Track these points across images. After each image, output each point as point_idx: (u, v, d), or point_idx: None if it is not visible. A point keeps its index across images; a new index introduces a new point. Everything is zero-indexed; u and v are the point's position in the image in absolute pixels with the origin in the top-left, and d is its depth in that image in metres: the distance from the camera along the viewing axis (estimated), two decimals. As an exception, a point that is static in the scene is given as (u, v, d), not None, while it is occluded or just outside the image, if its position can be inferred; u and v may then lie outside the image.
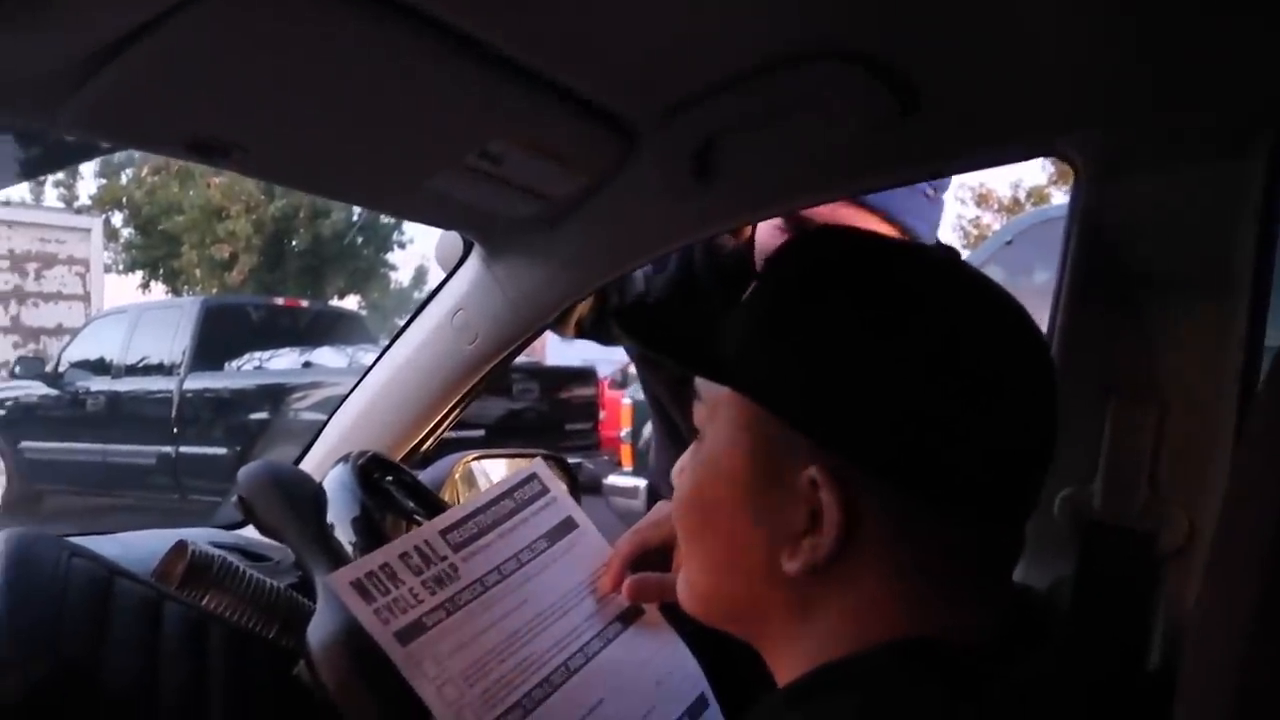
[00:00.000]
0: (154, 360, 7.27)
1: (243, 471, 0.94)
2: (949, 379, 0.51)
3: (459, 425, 1.31)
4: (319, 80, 0.74)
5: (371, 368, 1.29)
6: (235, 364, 7.04)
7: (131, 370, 7.38)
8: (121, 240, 14.40)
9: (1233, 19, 0.69)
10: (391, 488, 1.09)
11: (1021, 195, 11.92)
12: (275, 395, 6.40)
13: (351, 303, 15.69)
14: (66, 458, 7.32)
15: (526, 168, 0.92)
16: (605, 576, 0.85)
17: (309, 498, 0.93)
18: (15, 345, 9.47)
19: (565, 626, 0.80)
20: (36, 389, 7.66)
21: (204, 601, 0.88)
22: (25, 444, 7.57)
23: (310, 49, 0.71)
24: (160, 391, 7.04)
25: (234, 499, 0.94)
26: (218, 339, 7.15)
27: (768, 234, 1.12)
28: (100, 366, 7.56)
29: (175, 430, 6.82)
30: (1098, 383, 0.80)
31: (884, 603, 0.52)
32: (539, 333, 1.17)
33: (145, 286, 14.86)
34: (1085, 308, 0.81)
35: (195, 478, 6.61)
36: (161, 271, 14.71)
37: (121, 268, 15.23)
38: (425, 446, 1.33)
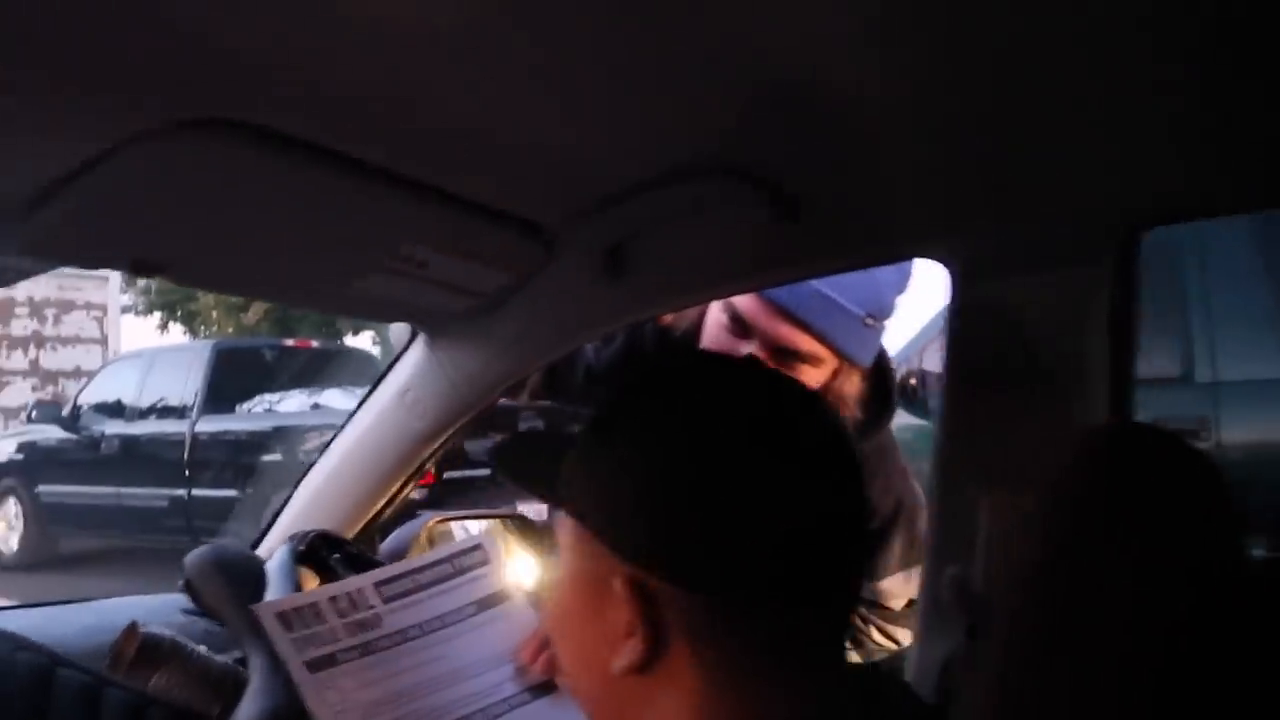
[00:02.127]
0: (167, 403, 7.38)
1: (190, 555, 1.01)
2: (719, 488, 0.56)
3: (466, 464, 1.35)
4: (239, 207, 0.81)
5: (328, 445, 1.35)
6: (246, 406, 7.14)
7: (145, 413, 7.48)
8: (139, 284, 14.63)
9: (1076, 139, 0.75)
10: (338, 565, 1.14)
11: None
12: (285, 437, 6.48)
13: (365, 339, 15.83)
14: (82, 501, 7.42)
15: (450, 268, 0.99)
16: (526, 648, 0.91)
17: (249, 580, 0.98)
18: (34, 389, 9.65)
19: (474, 686, 0.85)
20: (53, 433, 7.76)
21: (153, 680, 0.94)
22: (42, 488, 7.67)
23: (229, 182, 0.78)
24: (173, 434, 7.13)
25: (180, 583, 1.00)
26: (229, 381, 7.24)
27: (713, 319, 1.17)
28: (115, 410, 7.67)
29: (187, 473, 6.91)
30: (975, 472, 0.85)
31: (704, 698, 0.57)
32: (484, 410, 1.23)
33: (164, 328, 15.05)
34: (962, 401, 0.86)
35: (207, 520, 6.67)
36: (179, 313, 14.91)
37: (140, 309, 15.45)
38: (384, 517, 1.39)
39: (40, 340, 9.96)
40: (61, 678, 0.83)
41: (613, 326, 1.05)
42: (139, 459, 7.24)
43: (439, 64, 0.70)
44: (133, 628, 0.96)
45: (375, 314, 1.13)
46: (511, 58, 0.70)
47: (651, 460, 0.57)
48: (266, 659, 0.85)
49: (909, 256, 0.87)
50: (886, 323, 1.15)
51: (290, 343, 8.53)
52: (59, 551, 7.60)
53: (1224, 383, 3.58)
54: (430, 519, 1.36)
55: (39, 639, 0.93)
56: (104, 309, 10.36)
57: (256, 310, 14.13)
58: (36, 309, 9.86)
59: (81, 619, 0.90)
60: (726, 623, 0.56)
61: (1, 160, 0.67)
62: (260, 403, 7.11)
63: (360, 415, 1.32)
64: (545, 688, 0.92)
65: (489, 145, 0.83)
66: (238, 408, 7.15)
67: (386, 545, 1.32)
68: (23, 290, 9.69)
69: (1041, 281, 0.79)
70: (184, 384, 7.30)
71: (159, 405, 7.44)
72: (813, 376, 1.12)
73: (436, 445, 1.27)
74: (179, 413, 7.23)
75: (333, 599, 0.84)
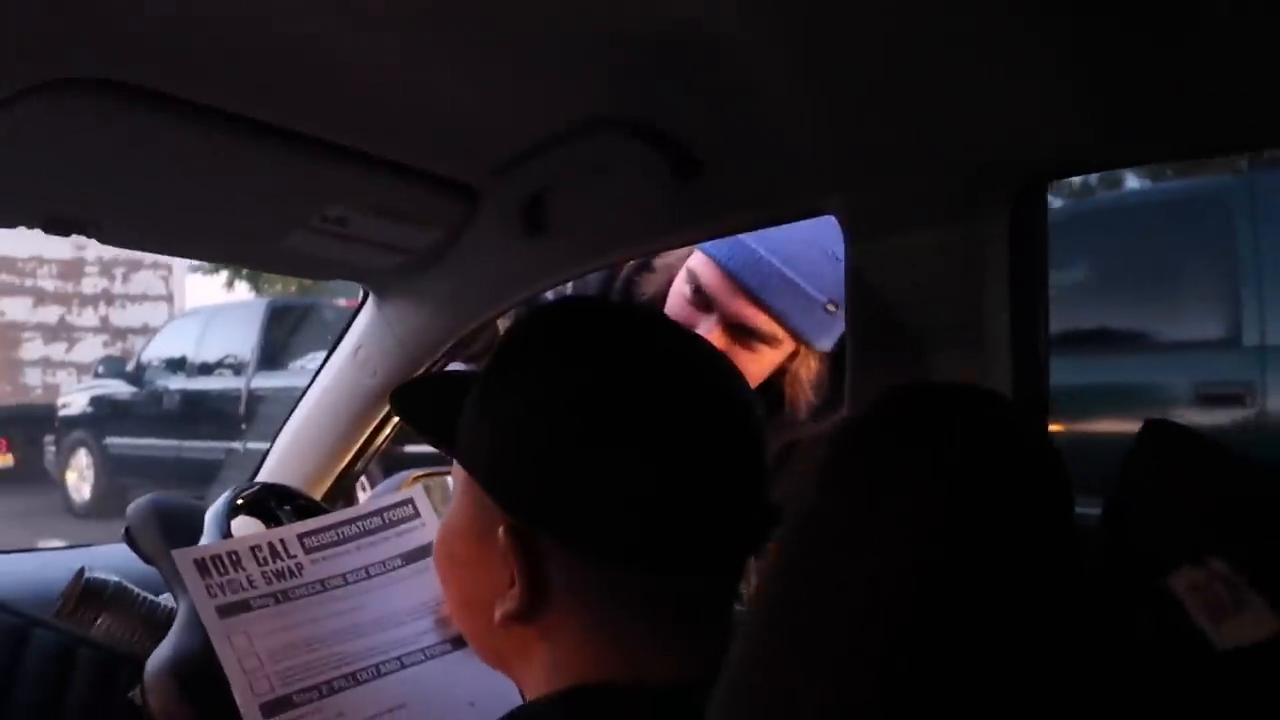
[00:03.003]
0: (224, 359, 7.61)
1: (131, 504, 1.04)
2: (599, 444, 0.55)
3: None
4: (143, 168, 0.83)
5: (295, 405, 1.38)
6: (298, 363, 7.32)
7: (204, 369, 7.73)
8: (206, 242, 15.02)
9: (967, 90, 0.72)
10: (286, 516, 1.17)
11: (1093, 180, 11.48)
12: (334, 393, 6.63)
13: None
14: (146, 453, 7.72)
15: (375, 226, 0.99)
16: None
17: (185, 529, 1.02)
18: (104, 344, 10.02)
19: (390, 637, 0.87)
20: (120, 387, 8.08)
21: (97, 623, 0.98)
22: (110, 440, 8.01)
23: (125, 143, 0.80)
24: (229, 389, 7.36)
25: (122, 530, 1.04)
26: (283, 339, 7.44)
27: (676, 288, 1.16)
28: (176, 365, 7.94)
29: (243, 426, 7.13)
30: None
31: (580, 651, 0.57)
32: (432, 367, 1.24)
33: (229, 285, 15.47)
34: (864, 362, 0.84)
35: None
36: (244, 271, 15.28)
37: (207, 268, 15.88)
38: (355, 469, 1.42)
39: (110, 298, 10.32)
40: (-12, 619, 0.88)
41: (539, 286, 1.05)
42: (198, 413, 7.49)
43: (332, 24, 0.70)
44: (80, 572, 1.00)
45: (311, 272, 1.15)
46: (410, 17, 0.69)
47: (536, 414, 0.57)
48: (187, 603, 0.88)
49: (808, 213, 0.85)
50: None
51: (343, 302, 8.70)
52: (127, 501, 7.91)
53: (1271, 347, 3.43)
54: (410, 475, 1.39)
55: (7, 580, 0.98)
56: (169, 268, 10.68)
57: (317, 269, 14.43)
58: (106, 268, 10.20)
59: (31, 566, 0.94)
60: (605, 581, 0.56)
61: None
62: (312, 360, 7.28)
63: (322, 374, 1.35)
64: (463, 641, 0.93)
65: (395, 105, 0.84)
66: (291, 364, 7.34)
67: (370, 497, 1.35)
68: (93, 250, 10.03)
69: (936, 238, 0.76)
70: (240, 341, 7.52)
71: (217, 361, 7.67)
72: (769, 357, 1.12)
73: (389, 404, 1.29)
74: (235, 368, 7.45)
75: (254, 548, 0.86)
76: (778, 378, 1.15)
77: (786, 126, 0.78)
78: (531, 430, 0.57)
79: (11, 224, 0.87)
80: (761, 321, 1.09)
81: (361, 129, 0.86)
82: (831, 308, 1.10)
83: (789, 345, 1.13)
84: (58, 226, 0.88)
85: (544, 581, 0.57)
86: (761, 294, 1.07)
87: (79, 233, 0.90)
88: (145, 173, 0.84)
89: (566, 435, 0.56)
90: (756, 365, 1.11)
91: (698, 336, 0.64)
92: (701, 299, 1.10)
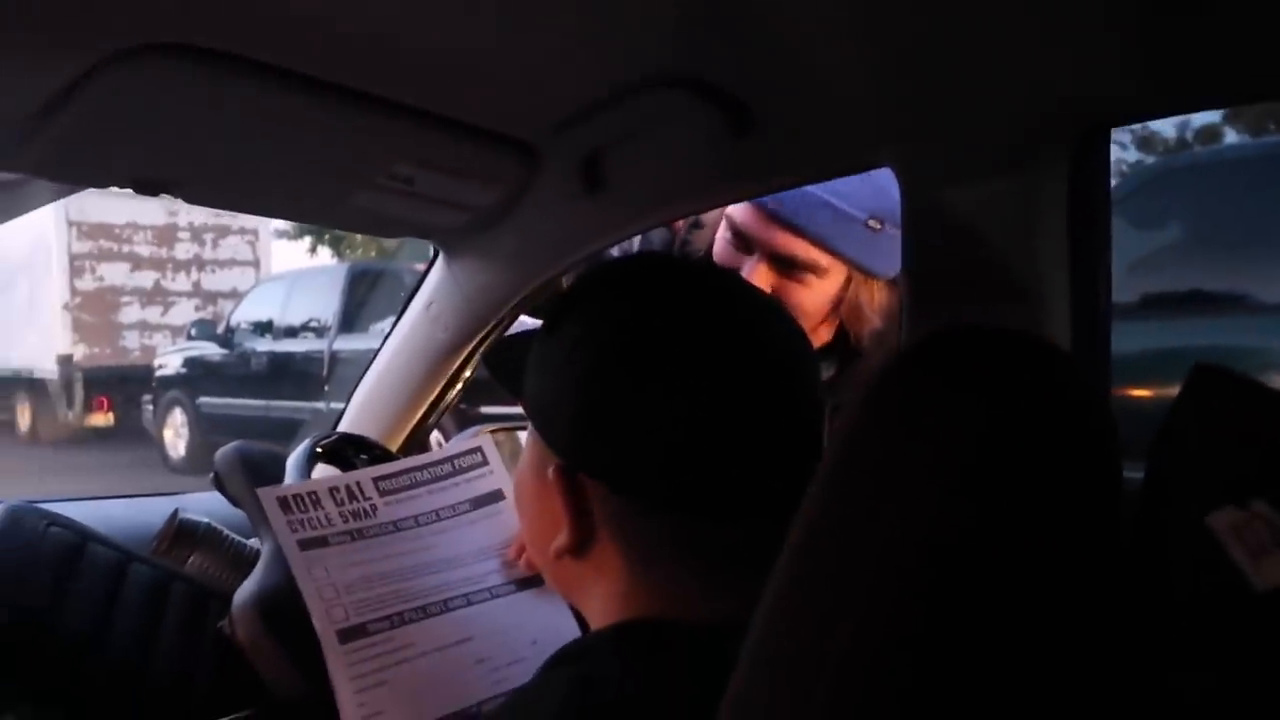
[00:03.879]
0: (308, 322, 7.85)
1: (218, 452, 1.11)
2: (632, 385, 0.57)
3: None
4: (221, 130, 0.87)
5: (373, 358, 1.43)
6: (378, 326, 7.51)
7: (289, 332, 7.99)
8: (290, 208, 15.41)
9: (1022, 36, 0.71)
10: (359, 463, 1.23)
11: (1189, 136, 10.98)
12: (413, 355, 6.80)
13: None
14: (236, 412, 8.03)
15: (440, 184, 1.02)
16: (514, 545, 0.96)
17: (269, 474, 1.08)
18: (196, 308, 10.40)
19: (458, 575, 0.91)
20: (211, 349, 8.41)
21: (189, 561, 1.05)
22: (203, 399, 8.35)
23: (206, 105, 0.84)
24: (313, 351, 7.60)
25: (210, 475, 1.11)
26: (363, 302, 7.63)
27: (720, 235, 1.15)
28: (263, 328, 8.22)
29: (325, 388, 7.36)
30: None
31: (627, 587, 0.60)
32: (501, 323, 1.28)
33: (313, 251, 15.87)
34: (921, 314, 0.84)
35: (344, 431, 7.11)
36: (326, 237, 15.66)
37: (292, 234, 16.29)
38: (429, 422, 1.48)
39: (201, 263, 10.68)
40: (91, 552, 0.94)
41: (601, 243, 1.07)
42: (284, 374, 7.76)
43: None
44: (174, 514, 1.07)
45: (380, 229, 1.19)
46: None
47: (580, 360, 0.59)
48: (271, 541, 0.94)
49: (863, 167, 0.84)
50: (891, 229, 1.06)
51: (420, 266, 8.85)
52: (219, 457, 8.27)
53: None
54: (483, 429, 1.44)
55: (108, 523, 1.06)
56: (256, 233, 10.98)
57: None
58: (197, 233, 10.55)
59: (129, 510, 1.01)
60: (643, 522, 0.58)
61: (3, 75, 0.74)
62: (391, 323, 7.45)
63: (396, 329, 1.39)
64: (530, 582, 0.96)
65: (458, 64, 0.86)
66: (371, 327, 7.53)
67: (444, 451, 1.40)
68: (184, 216, 10.38)
69: (992, 188, 0.76)
70: (323, 304, 7.74)
71: (301, 324, 7.92)
72: (820, 288, 1.08)
73: (462, 357, 1.33)
74: (318, 331, 7.68)
75: (332, 489, 0.91)
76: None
77: (840, 79, 0.78)
78: (571, 372, 0.59)
79: (103, 184, 0.93)
80: (800, 249, 1.05)
81: (426, 88, 0.88)
82: (875, 224, 1.05)
83: (839, 272, 1.08)
84: (145, 187, 0.93)
85: (589, 519, 0.60)
86: (795, 219, 1.04)
87: (164, 192, 0.95)
88: (223, 134, 0.88)
89: (602, 376, 0.58)
90: (809, 298, 1.07)
91: (746, 284, 0.65)
92: (741, 240, 1.08)
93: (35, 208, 1.09)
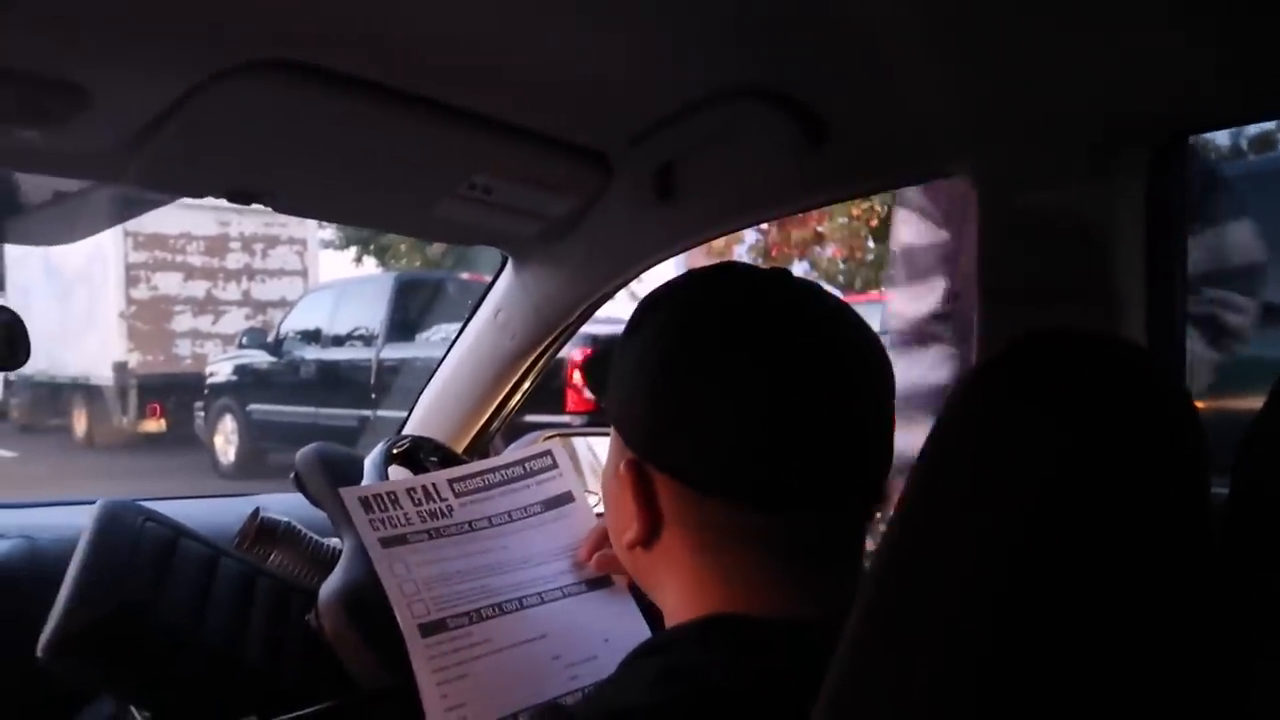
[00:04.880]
0: (356, 331, 7.96)
1: (299, 453, 1.14)
2: (693, 379, 0.59)
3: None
4: (314, 142, 0.91)
5: (441, 362, 1.47)
6: (425, 335, 7.60)
7: (337, 340, 8.11)
8: (336, 219, 15.65)
9: (1093, 46, 0.72)
10: (432, 466, 1.26)
11: (1244, 144, 10.75)
12: (458, 364, 6.86)
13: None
14: (285, 419, 8.15)
15: (517, 194, 1.06)
16: (584, 545, 0.99)
17: (347, 473, 1.11)
18: (246, 317, 10.59)
19: (532, 574, 0.94)
20: (261, 357, 8.56)
21: (270, 558, 1.09)
22: (252, 406, 8.50)
23: (301, 119, 0.88)
24: (360, 360, 7.70)
25: (291, 475, 1.14)
26: (410, 311, 7.73)
27: None
28: (312, 336, 8.35)
29: (373, 395, 7.46)
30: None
31: (701, 579, 0.62)
32: (566, 331, 1.31)
33: (358, 261, 16.09)
34: (998, 317, 0.86)
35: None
36: (371, 247, 15.87)
37: (338, 244, 16.52)
38: (493, 428, 1.51)
39: (251, 273, 10.88)
40: (183, 547, 0.98)
41: (670, 251, 1.09)
42: (332, 382, 7.86)
43: (484, 2, 0.76)
44: (255, 512, 1.11)
45: (457, 238, 1.23)
46: None
47: (649, 359, 0.62)
48: (353, 540, 0.97)
49: (937, 175, 0.86)
50: None
51: (466, 276, 8.96)
52: (267, 463, 8.42)
53: None
54: (540, 435, 1.47)
55: (187, 521, 1.10)
56: (304, 243, 11.17)
57: (439, 246, 14.90)
58: (247, 244, 10.75)
59: (208, 509, 1.05)
60: (709, 514, 0.60)
61: (91, 113, 0.78)
62: (438, 331, 7.54)
63: (464, 335, 1.43)
64: (600, 582, 0.99)
65: (539, 77, 0.89)
66: (417, 336, 7.62)
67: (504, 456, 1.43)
68: (235, 227, 10.59)
69: (1068, 197, 0.77)
70: (370, 313, 7.85)
71: (348, 333, 8.04)
72: None
73: (528, 363, 1.36)
74: (366, 339, 7.78)
75: (410, 490, 0.94)
76: None
77: (915, 89, 0.79)
78: (642, 371, 0.62)
79: (200, 194, 0.97)
80: None
81: (507, 101, 0.92)
82: None
83: None
84: (239, 197, 0.97)
85: (657, 512, 0.62)
86: None
87: (257, 202, 0.99)
88: (315, 146, 0.92)
89: (667, 373, 0.60)
90: None
91: (817, 290, 0.65)
92: None
93: (107, 227, 1.13)
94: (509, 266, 1.30)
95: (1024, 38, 0.73)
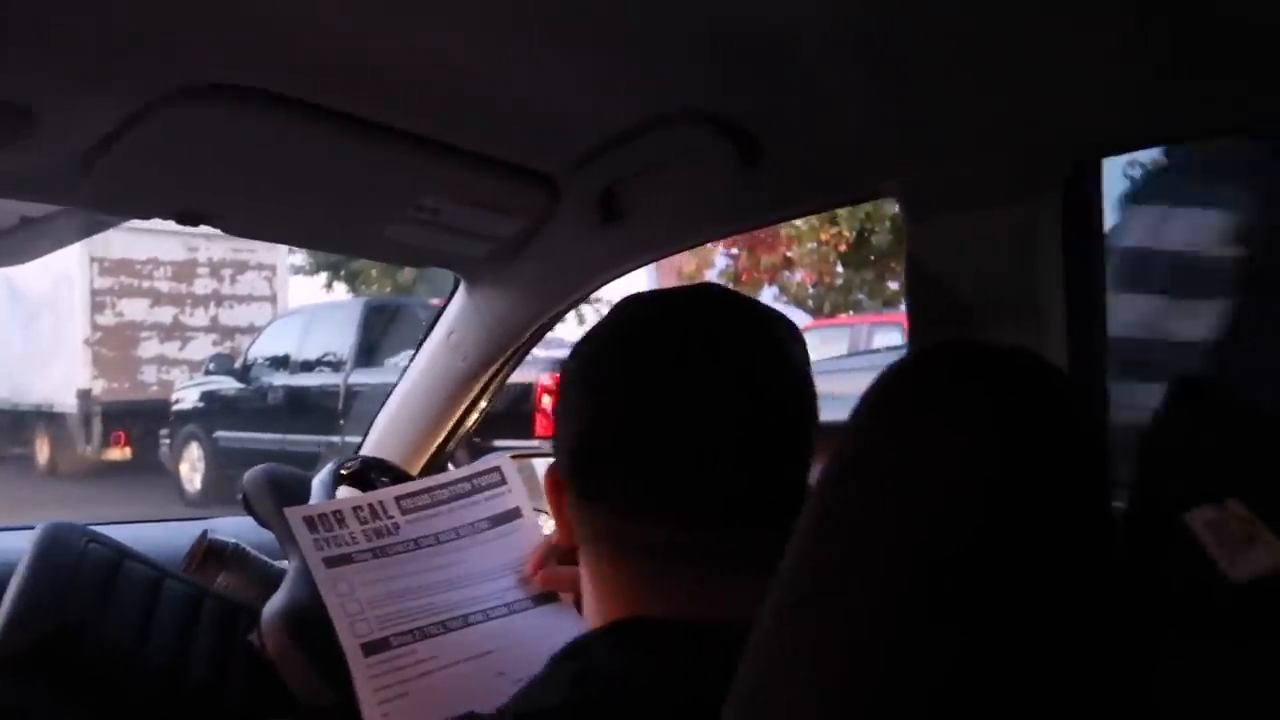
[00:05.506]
0: (324, 356, 7.92)
1: (247, 474, 1.15)
2: (600, 408, 0.62)
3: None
4: (262, 164, 0.93)
5: (394, 387, 1.48)
6: (394, 360, 7.56)
7: (306, 366, 8.06)
8: (306, 245, 15.61)
9: (1019, 72, 0.75)
10: (381, 485, 1.26)
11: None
12: (427, 389, 6.84)
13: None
14: (253, 446, 8.05)
15: (466, 216, 1.08)
16: (530, 561, 1.00)
17: (294, 494, 1.11)
18: (214, 343, 10.49)
19: (478, 591, 0.94)
20: (228, 383, 8.48)
21: (218, 579, 1.09)
22: (219, 433, 8.41)
23: (249, 142, 0.89)
24: (329, 385, 7.66)
25: (239, 495, 1.15)
26: (379, 337, 7.70)
27: None
28: (280, 362, 8.29)
29: (341, 422, 7.41)
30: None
31: (614, 586, 0.64)
32: (518, 351, 1.32)
33: (329, 286, 16.00)
34: (927, 337, 0.88)
35: (359, 465, 7.14)
36: (342, 273, 15.79)
37: (308, 270, 16.42)
38: (448, 449, 1.52)
39: (219, 299, 10.79)
40: (128, 568, 0.98)
41: (617, 272, 1.11)
42: (300, 408, 7.80)
43: (427, 27, 0.78)
44: (203, 535, 1.11)
45: (408, 259, 1.24)
46: (499, 17, 0.76)
47: (568, 379, 0.65)
48: (299, 560, 0.97)
49: (868, 197, 0.89)
50: None
51: (436, 301, 8.92)
52: (234, 490, 8.29)
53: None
54: (502, 456, 1.48)
55: (138, 545, 1.10)
56: (273, 269, 11.11)
57: (410, 271, 14.86)
58: (215, 269, 10.67)
59: (161, 532, 1.05)
60: (617, 527, 0.62)
61: (39, 135, 0.79)
62: (407, 357, 7.46)
63: (417, 357, 1.44)
64: (546, 598, 0.99)
65: (485, 101, 0.91)
66: (386, 361, 7.58)
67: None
68: (204, 253, 10.51)
69: (991, 219, 0.80)
70: (339, 339, 7.81)
71: (317, 359, 7.99)
72: None
73: (481, 384, 1.37)
74: (334, 365, 7.74)
75: (356, 508, 0.94)
76: None
77: (846, 112, 0.82)
78: (564, 391, 0.65)
79: (149, 216, 0.98)
80: None
81: (455, 124, 0.93)
82: None
83: None
84: (188, 219, 0.98)
85: (570, 522, 0.65)
86: None
87: (206, 223, 1.00)
88: (262, 168, 0.93)
89: (571, 392, 0.64)
90: None
91: (730, 299, 0.66)
92: None
93: (63, 246, 1.14)
94: (461, 288, 1.32)
95: (945, 61, 0.76)
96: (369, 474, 1.24)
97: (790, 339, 0.65)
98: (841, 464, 0.47)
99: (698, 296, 0.66)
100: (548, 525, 1.02)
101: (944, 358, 0.48)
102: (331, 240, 1.17)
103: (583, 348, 0.65)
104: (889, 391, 0.47)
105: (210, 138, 0.87)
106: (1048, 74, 0.74)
